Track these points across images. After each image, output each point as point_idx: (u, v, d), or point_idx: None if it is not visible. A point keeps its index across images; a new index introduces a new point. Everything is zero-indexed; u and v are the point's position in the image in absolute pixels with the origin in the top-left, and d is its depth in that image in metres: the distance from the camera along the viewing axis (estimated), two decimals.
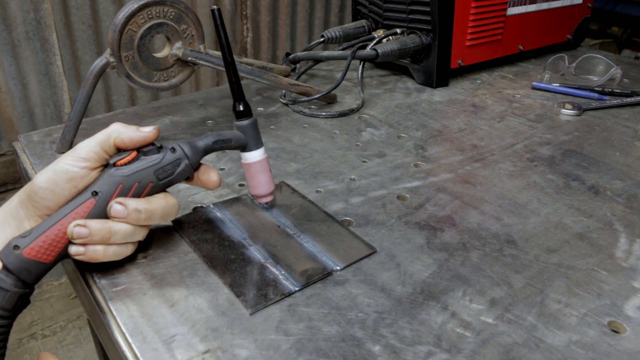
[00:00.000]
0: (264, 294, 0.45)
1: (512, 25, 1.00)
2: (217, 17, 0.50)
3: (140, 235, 0.47)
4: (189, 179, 0.50)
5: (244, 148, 0.53)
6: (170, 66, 0.70)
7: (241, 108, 0.52)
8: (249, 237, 0.53)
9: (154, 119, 0.80)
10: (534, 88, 0.95)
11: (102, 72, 0.66)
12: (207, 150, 0.50)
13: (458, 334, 0.42)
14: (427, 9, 0.89)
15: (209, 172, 0.51)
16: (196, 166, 0.50)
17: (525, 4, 1.00)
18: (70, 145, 0.70)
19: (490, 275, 0.49)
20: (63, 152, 0.69)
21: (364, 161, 0.69)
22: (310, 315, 0.43)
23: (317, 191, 0.62)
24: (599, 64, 1.00)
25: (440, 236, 0.54)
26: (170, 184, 0.48)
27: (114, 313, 0.44)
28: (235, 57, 0.78)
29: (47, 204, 0.45)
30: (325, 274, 0.48)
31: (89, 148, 0.46)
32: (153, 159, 0.47)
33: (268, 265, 0.49)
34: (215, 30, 0.51)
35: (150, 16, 0.66)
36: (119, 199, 0.45)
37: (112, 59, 0.66)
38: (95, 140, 0.46)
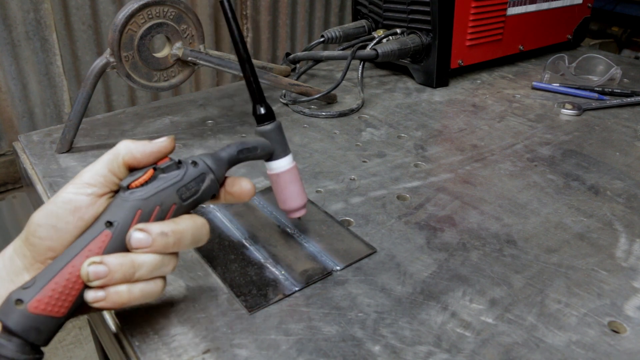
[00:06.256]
0: (264, 294, 0.45)
1: (512, 25, 1.00)
2: (227, 10, 0.44)
3: (171, 265, 0.39)
4: (214, 197, 0.42)
5: (270, 156, 0.46)
6: (170, 66, 0.70)
7: (263, 111, 0.46)
8: (249, 237, 0.53)
9: (154, 119, 0.80)
10: (534, 88, 0.95)
11: (102, 72, 0.66)
12: (232, 162, 0.43)
13: (458, 334, 0.42)
14: (427, 9, 0.89)
15: (240, 182, 0.43)
16: (222, 181, 0.43)
17: (525, 4, 1.00)
18: (70, 145, 0.70)
19: (490, 275, 0.49)
20: (63, 152, 0.69)
21: (364, 161, 0.69)
22: (310, 315, 0.43)
23: (317, 191, 0.62)
24: (599, 64, 1.00)
25: (440, 236, 0.54)
26: (196, 204, 0.40)
27: (114, 313, 0.44)
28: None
29: (49, 244, 0.37)
30: (325, 274, 0.48)
31: (94, 171, 0.38)
32: (173, 176, 0.39)
33: (268, 265, 0.49)
34: (227, 24, 0.44)
35: (150, 16, 0.66)
36: (139, 225, 0.37)
37: (112, 59, 0.66)
38: (101, 161, 0.39)
